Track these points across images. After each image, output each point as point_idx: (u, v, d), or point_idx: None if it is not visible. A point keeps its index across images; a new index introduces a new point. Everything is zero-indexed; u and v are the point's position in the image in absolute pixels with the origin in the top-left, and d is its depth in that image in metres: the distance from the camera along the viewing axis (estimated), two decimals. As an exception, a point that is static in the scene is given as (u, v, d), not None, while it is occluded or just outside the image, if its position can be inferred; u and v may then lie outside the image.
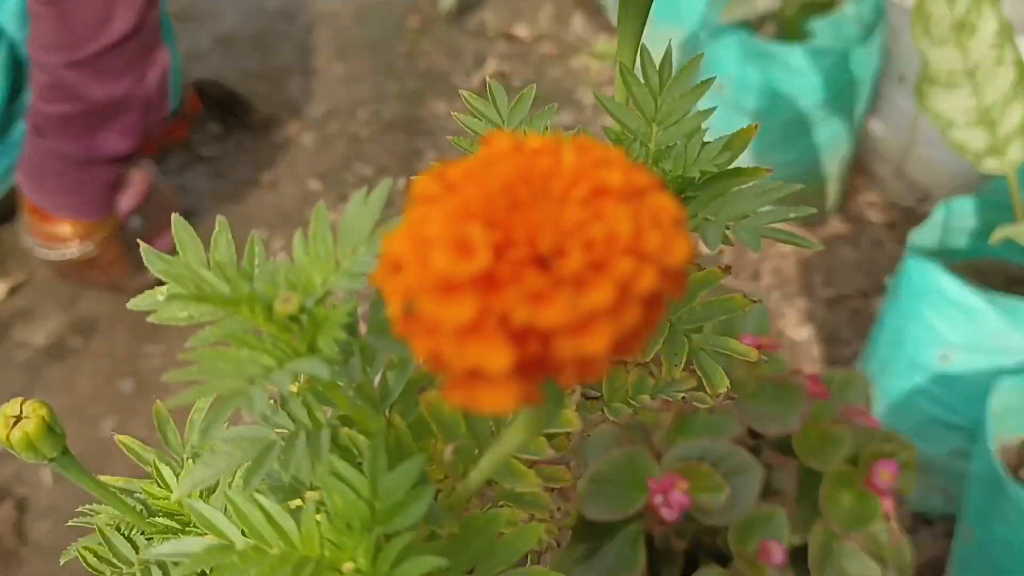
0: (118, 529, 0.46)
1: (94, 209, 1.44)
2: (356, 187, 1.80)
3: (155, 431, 1.38)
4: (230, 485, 0.45)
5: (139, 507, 0.47)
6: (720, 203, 0.47)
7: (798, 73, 1.66)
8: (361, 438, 0.41)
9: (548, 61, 2.10)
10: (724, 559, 0.95)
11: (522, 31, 2.16)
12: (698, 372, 0.51)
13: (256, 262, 0.41)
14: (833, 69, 1.65)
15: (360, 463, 0.40)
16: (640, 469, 0.91)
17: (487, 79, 0.56)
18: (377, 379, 0.43)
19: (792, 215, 0.49)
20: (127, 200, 1.49)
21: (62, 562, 0.47)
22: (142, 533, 0.46)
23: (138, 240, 0.43)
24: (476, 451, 0.43)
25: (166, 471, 0.47)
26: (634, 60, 0.52)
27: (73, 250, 1.46)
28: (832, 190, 1.78)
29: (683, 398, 0.52)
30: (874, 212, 1.82)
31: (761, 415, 0.95)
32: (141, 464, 0.49)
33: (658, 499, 0.88)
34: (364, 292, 0.38)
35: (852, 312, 1.66)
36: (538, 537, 0.41)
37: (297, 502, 0.41)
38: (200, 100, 1.81)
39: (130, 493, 0.48)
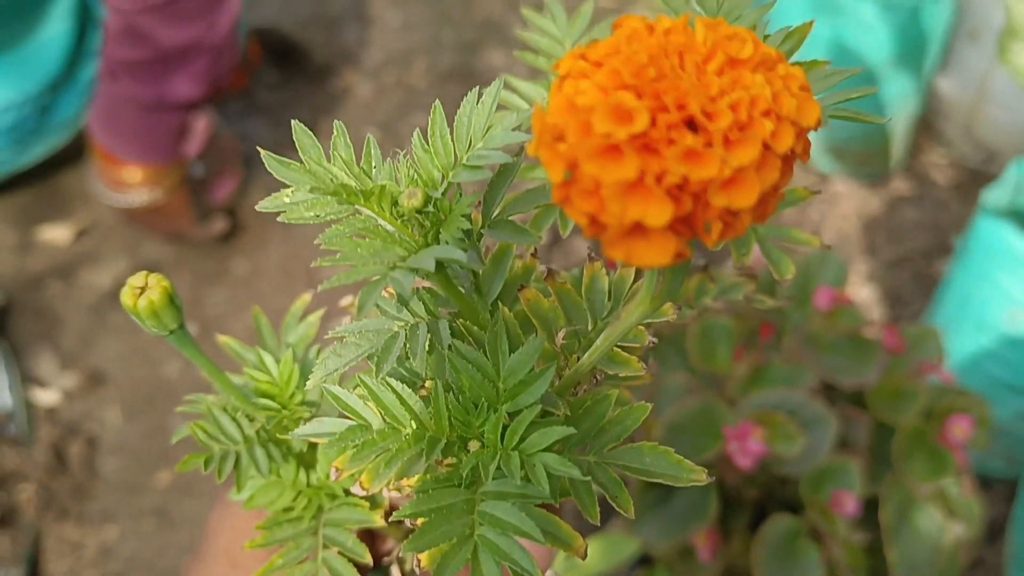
0: (224, 410, 0.48)
1: (162, 154, 1.45)
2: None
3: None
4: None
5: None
6: None
7: (868, 27, 1.62)
8: (475, 328, 0.43)
9: (606, 13, 2.07)
10: (794, 508, 0.95)
11: (579, -18, 2.13)
12: (757, 274, 0.53)
13: (373, 163, 0.41)
14: (904, 24, 1.61)
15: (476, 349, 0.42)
16: (715, 418, 0.91)
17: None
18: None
19: (855, 95, 0.49)
20: (190, 147, 1.50)
21: (174, 441, 0.48)
22: (245, 415, 0.48)
23: (258, 148, 0.44)
24: (586, 334, 0.45)
25: (267, 358, 0.48)
26: None
27: (141, 197, 1.48)
28: (897, 149, 1.75)
29: (745, 298, 0.53)
30: (939, 172, 1.79)
31: (836, 367, 0.95)
32: (240, 361, 0.51)
33: (733, 447, 0.88)
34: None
35: (914, 273, 1.64)
36: (646, 414, 0.42)
37: (422, 392, 0.43)
38: (261, 49, 1.81)
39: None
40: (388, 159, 0.42)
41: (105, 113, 1.44)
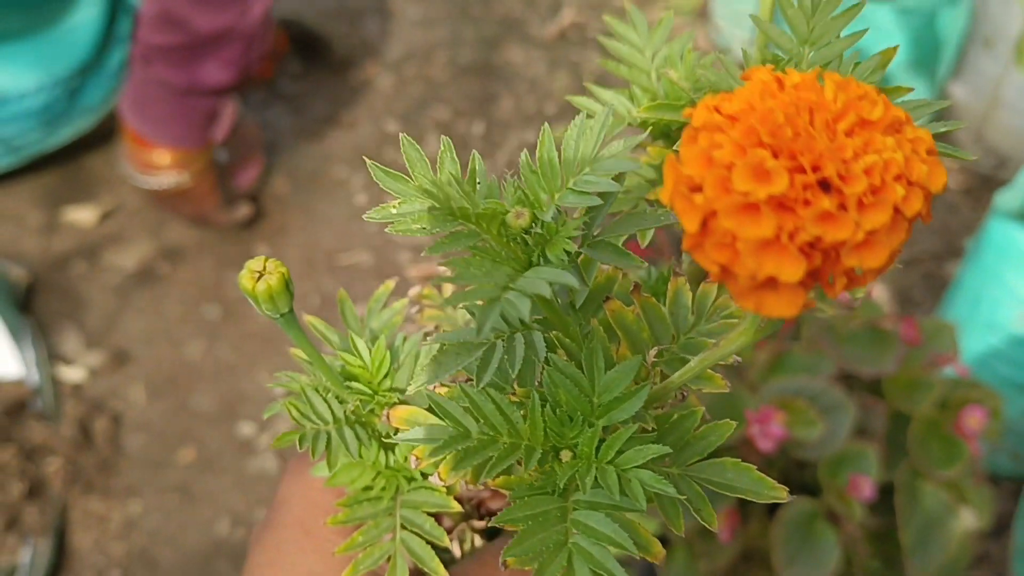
0: (316, 391, 0.49)
1: (192, 138, 1.48)
2: (433, 130, 1.82)
3: (244, 356, 1.43)
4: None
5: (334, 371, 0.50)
6: None
7: (883, 32, 1.65)
8: (567, 341, 0.45)
9: (624, 11, 2.09)
10: (812, 492, 0.97)
11: (598, -18, 2.16)
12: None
13: (477, 180, 0.43)
14: (919, 29, 1.63)
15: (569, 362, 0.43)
16: (736, 401, 0.93)
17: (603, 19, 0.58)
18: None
19: (943, 128, 0.51)
20: (219, 134, 1.53)
21: (266, 416, 0.50)
22: (336, 397, 0.50)
23: (364, 158, 0.46)
24: (675, 353, 0.46)
25: (360, 343, 0.50)
26: None
27: (170, 179, 1.50)
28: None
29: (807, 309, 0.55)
30: (950, 176, 1.81)
31: (855, 357, 0.97)
32: (326, 342, 0.53)
33: (755, 430, 0.90)
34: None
35: (925, 275, 1.66)
36: (731, 431, 0.44)
37: (511, 397, 0.44)
38: (287, 39, 1.83)
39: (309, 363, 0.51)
40: (492, 176, 0.43)
41: (137, 97, 1.46)
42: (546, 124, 0.42)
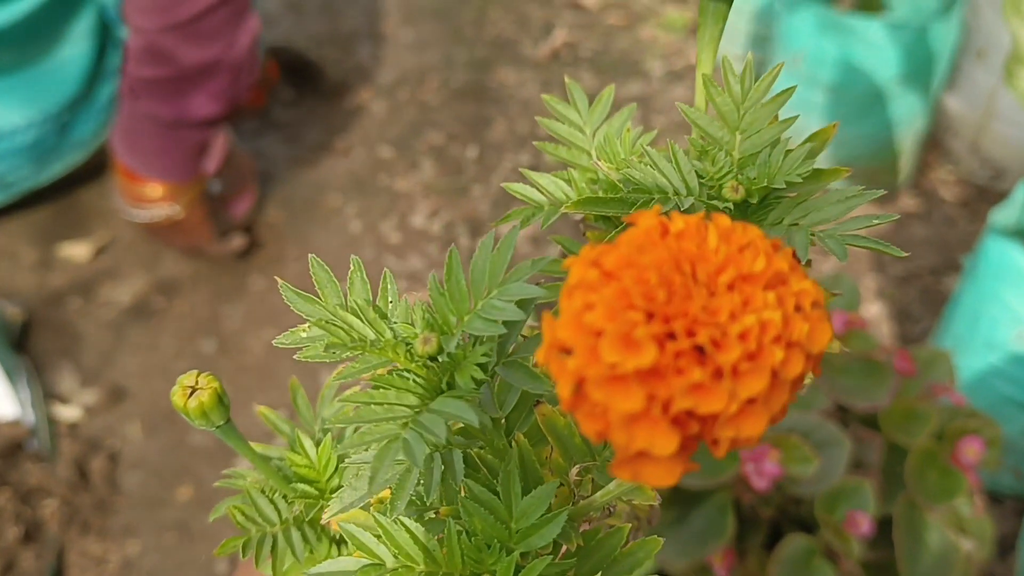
0: (262, 492, 0.49)
1: (182, 171, 1.47)
2: (427, 155, 1.82)
3: (239, 390, 1.42)
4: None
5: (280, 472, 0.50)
6: (804, 209, 0.48)
7: (875, 47, 1.64)
8: (488, 457, 0.44)
9: (616, 31, 2.09)
10: (809, 528, 0.96)
11: (590, 0, 2.15)
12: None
13: (390, 299, 0.42)
14: (911, 43, 1.63)
15: (489, 481, 0.42)
16: (731, 439, 0.93)
17: (558, 51, 0.57)
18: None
19: (876, 221, 0.49)
20: (208, 164, 1.53)
21: (211, 519, 0.50)
22: (283, 497, 0.49)
23: (277, 278, 0.46)
24: (596, 471, 0.45)
25: (307, 442, 0.50)
26: (714, 66, 0.52)
27: (161, 211, 1.50)
28: (904, 165, 1.76)
29: None
30: (947, 189, 1.81)
31: (849, 390, 0.97)
32: (278, 433, 0.52)
33: (749, 468, 0.90)
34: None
35: (923, 290, 1.66)
36: (658, 548, 0.44)
37: (430, 514, 0.44)
38: (279, 67, 1.83)
39: (268, 459, 0.51)
40: (404, 297, 0.43)
41: (126, 131, 1.46)
42: (453, 246, 0.41)
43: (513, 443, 0.45)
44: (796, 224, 0.47)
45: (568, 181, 0.53)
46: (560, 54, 2.03)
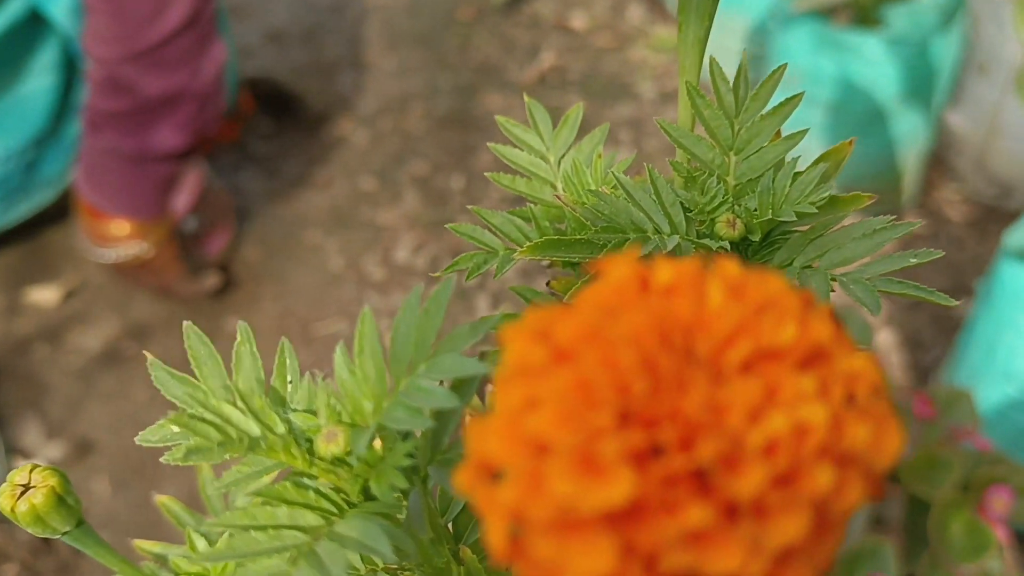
0: None
1: (149, 207, 1.40)
2: (411, 186, 1.75)
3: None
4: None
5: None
6: (819, 245, 0.39)
7: (874, 63, 1.58)
8: None
9: (604, 53, 2.03)
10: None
11: (577, 22, 2.09)
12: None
13: (289, 378, 0.34)
14: (911, 59, 1.57)
15: None
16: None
17: (543, 74, 0.49)
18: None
19: (913, 260, 0.41)
20: (181, 201, 1.46)
21: None
22: None
23: (148, 355, 0.37)
24: None
25: (200, 543, 0.41)
26: (699, 74, 0.44)
27: (129, 250, 1.43)
28: (908, 185, 1.70)
29: None
30: (953, 209, 1.74)
31: (865, 437, 0.89)
32: (180, 528, 0.44)
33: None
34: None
35: (933, 315, 1.58)
36: None
37: None
38: (254, 98, 1.77)
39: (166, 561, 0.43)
40: (307, 374, 0.34)
41: (89, 166, 1.40)
42: (367, 308, 0.33)
43: (463, 553, 0.36)
44: (810, 266, 0.39)
45: (528, 219, 0.44)
46: (548, 78, 1.97)
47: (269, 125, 1.83)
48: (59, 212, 1.58)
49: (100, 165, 1.38)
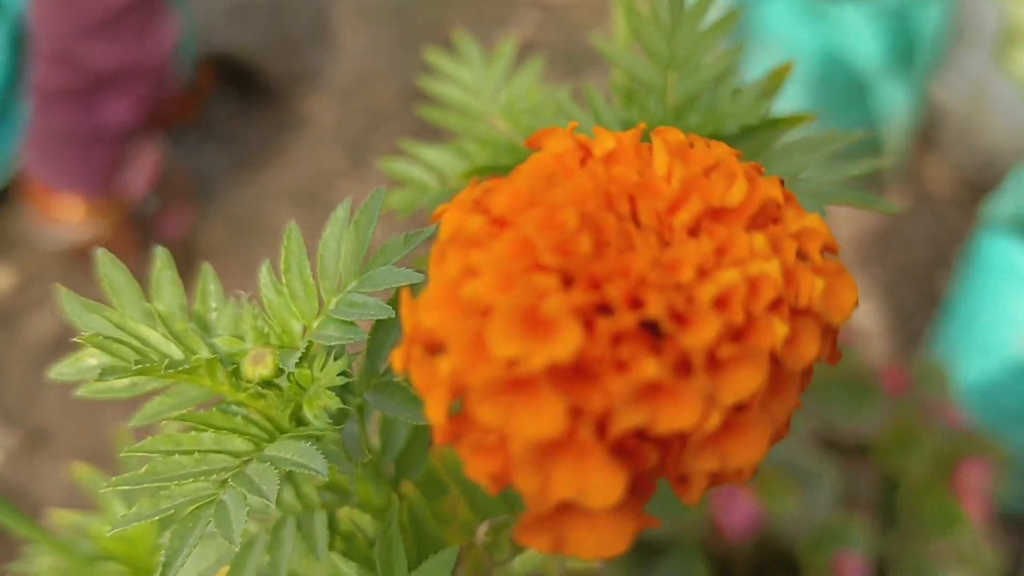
0: None
1: (102, 184, 1.36)
2: (400, 149, 1.71)
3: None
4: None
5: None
6: (763, 161, 0.38)
7: (855, 35, 1.54)
8: (366, 518, 0.32)
9: (582, 28, 1.99)
10: (797, 570, 0.85)
11: (553, -4, 2.05)
12: None
13: (212, 304, 0.31)
14: (894, 30, 1.53)
15: (366, 552, 0.31)
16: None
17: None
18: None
19: (856, 170, 0.39)
20: (139, 181, 1.41)
21: None
22: None
23: (60, 287, 0.34)
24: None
25: (118, 506, 0.39)
26: None
27: (83, 232, 1.39)
28: (892, 160, 1.66)
29: None
30: (937, 182, 1.70)
31: (835, 414, 0.85)
32: (95, 496, 0.42)
33: (719, 507, 0.78)
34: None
35: (914, 289, 1.55)
36: None
37: None
38: (215, 74, 1.72)
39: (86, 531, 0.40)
40: (232, 297, 0.32)
41: (40, 144, 1.36)
42: (292, 222, 0.30)
43: (405, 487, 0.34)
44: None
45: (463, 155, 0.43)
46: (524, 53, 1.92)
47: (233, 102, 1.79)
48: (12, 196, 1.54)
49: (51, 142, 1.34)
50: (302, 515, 0.31)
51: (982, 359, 1.22)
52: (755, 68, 1.64)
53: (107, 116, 1.30)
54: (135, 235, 1.43)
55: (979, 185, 1.67)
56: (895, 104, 1.60)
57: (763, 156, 0.38)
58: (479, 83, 0.44)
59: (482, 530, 0.32)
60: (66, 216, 1.38)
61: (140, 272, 1.27)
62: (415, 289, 0.30)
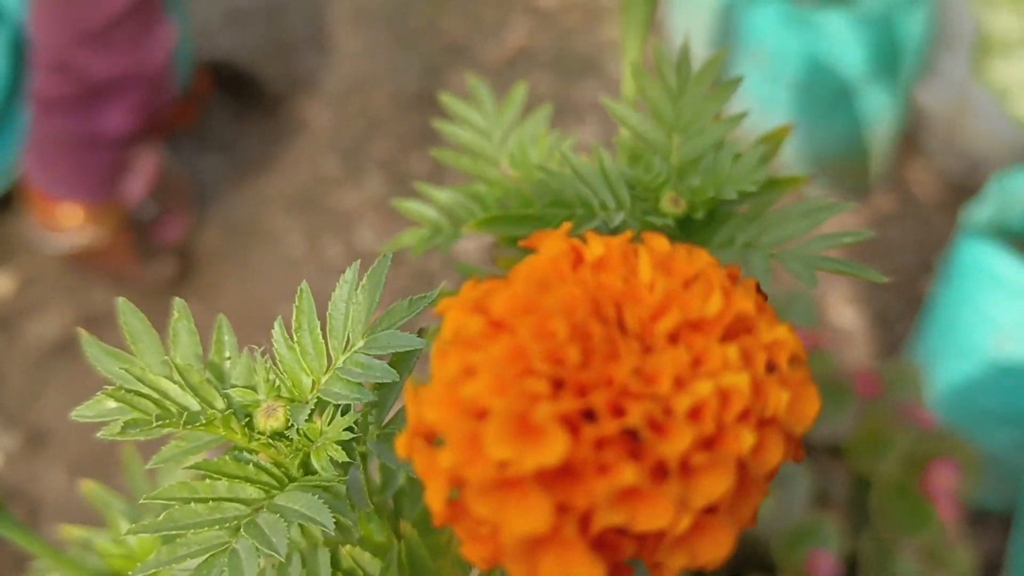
0: None
1: (100, 190, 1.39)
2: (376, 169, 1.73)
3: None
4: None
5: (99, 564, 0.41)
6: (760, 225, 0.40)
7: (841, 41, 1.57)
8: (366, 556, 0.34)
9: (574, 32, 2.01)
10: (772, 569, 0.88)
11: (546, 1, 2.07)
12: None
13: (227, 353, 0.33)
14: (878, 36, 1.55)
15: None
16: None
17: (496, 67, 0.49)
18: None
19: (848, 239, 0.41)
20: (137, 187, 1.44)
21: None
22: None
23: (82, 332, 0.36)
24: None
25: (124, 525, 0.41)
26: (643, 54, 0.44)
27: (82, 238, 1.41)
28: (877, 164, 1.69)
29: None
30: (922, 187, 1.73)
31: (808, 416, 0.88)
32: (104, 510, 0.44)
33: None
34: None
35: (899, 294, 1.57)
36: None
37: None
38: (212, 81, 1.75)
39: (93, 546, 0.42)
40: (245, 350, 0.34)
41: (39, 151, 1.38)
42: (304, 284, 0.33)
43: (404, 529, 0.36)
44: (751, 244, 0.39)
45: (473, 197, 0.44)
46: (516, 58, 1.95)
47: (230, 108, 1.81)
48: (13, 201, 1.57)
49: (50, 149, 1.36)
50: (307, 552, 0.34)
51: (961, 361, 1.25)
52: (742, 75, 1.67)
53: (105, 123, 1.32)
54: (133, 241, 1.46)
55: (964, 190, 1.70)
56: (880, 110, 1.62)
57: (761, 220, 0.40)
58: (490, 127, 0.46)
59: (475, 571, 0.35)
60: (65, 222, 1.40)
61: (137, 277, 1.30)
62: (410, 358, 0.32)
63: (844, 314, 1.55)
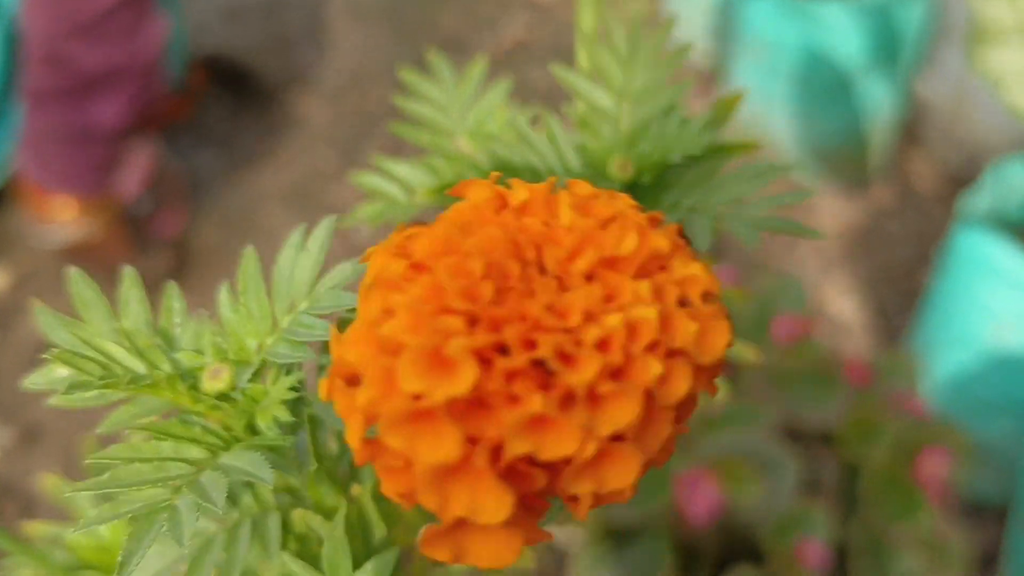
0: None
1: (94, 184, 1.39)
2: (372, 164, 1.73)
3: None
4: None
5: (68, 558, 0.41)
6: (706, 190, 0.40)
7: (839, 32, 1.56)
8: (318, 520, 0.34)
9: (572, 26, 2.01)
10: (759, 558, 0.87)
11: (544, -4, 2.07)
12: None
13: (176, 319, 0.33)
14: (877, 27, 1.55)
15: (317, 552, 0.33)
16: (665, 467, 0.84)
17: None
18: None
19: (788, 200, 0.42)
20: (132, 181, 1.44)
21: None
22: None
23: (36, 301, 0.37)
24: None
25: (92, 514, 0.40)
26: (596, 24, 0.44)
27: (77, 231, 1.41)
28: (876, 156, 1.68)
29: None
30: (921, 179, 1.72)
31: (797, 405, 0.87)
32: (67, 508, 0.43)
33: (684, 496, 0.80)
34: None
35: (897, 285, 1.57)
36: None
37: None
38: (208, 76, 1.75)
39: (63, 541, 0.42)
40: (193, 315, 0.34)
41: (32, 144, 1.39)
42: (250, 247, 0.33)
43: (355, 491, 0.36)
44: (696, 208, 0.39)
45: (432, 170, 0.45)
46: (514, 52, 1.95)
47: (227, 103, 1.81)
48: (6, 197, 1.57)
49: (42, 142, 1.37)
50: (258, 516, 0.34)
51: (958, 351, 1.24)
52: (741, 67, 1.66)
53: (97, 116, 1.33)
54: (128, 235, 1.46)
55: (963, 181, 1.69)
56: (879, 102, 1.61)
57: (709, 183, 0.40)
58: (449, 102, 0.46)
59: (423, 531, 0.35)
60: (60, 216, 1.41)
61: (138, 269, 1.29)
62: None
63: (843, 306, 1.54)
